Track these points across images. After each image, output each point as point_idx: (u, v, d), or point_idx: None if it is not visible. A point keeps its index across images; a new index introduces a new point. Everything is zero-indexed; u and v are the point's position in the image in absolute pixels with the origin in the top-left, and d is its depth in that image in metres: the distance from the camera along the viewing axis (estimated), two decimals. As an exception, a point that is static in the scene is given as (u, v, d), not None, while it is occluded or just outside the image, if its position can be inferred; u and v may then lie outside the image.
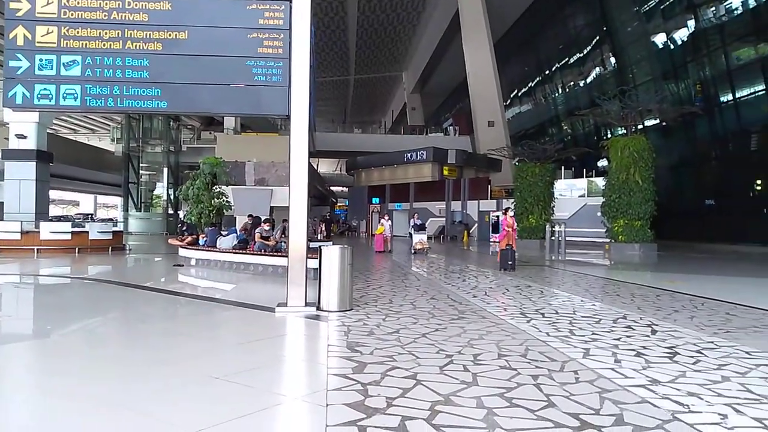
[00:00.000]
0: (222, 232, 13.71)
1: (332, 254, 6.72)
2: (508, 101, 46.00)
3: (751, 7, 22.37)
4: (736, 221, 24.44)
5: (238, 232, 13.29)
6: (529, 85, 44.85)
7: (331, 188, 65.44)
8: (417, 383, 3.83)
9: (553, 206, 23.28)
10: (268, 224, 12.12)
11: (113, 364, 4.59)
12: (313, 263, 7.24)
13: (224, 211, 16.38)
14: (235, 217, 21.10)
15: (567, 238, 16.86)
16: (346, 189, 58.38)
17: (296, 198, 6.87)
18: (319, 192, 52.97)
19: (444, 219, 33.45)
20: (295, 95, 6.85)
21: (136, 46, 6.78)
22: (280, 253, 10.88)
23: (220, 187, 16.03)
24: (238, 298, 8.19)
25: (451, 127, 47.98)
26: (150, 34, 6.80)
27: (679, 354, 4.76)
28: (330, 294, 6.67)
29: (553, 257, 16.05)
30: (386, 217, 20.52)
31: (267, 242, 11.68)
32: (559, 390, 3.72)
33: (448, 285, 9.65)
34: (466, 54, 38.85)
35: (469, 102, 40.09)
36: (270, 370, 4.43)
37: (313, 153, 43.42)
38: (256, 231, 11.96)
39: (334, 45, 51.71)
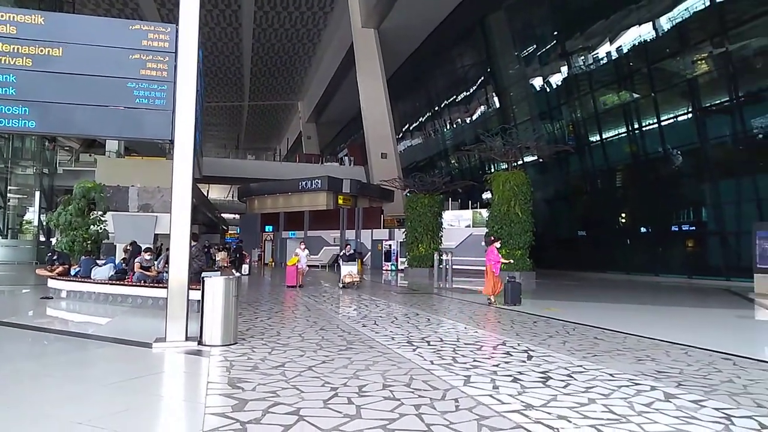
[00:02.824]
0: (98, 262, 12.75)
1: (216, 285, 6.45)
2: (401, 134, 47.52)
3: (613, 58, 24.95)
4: (605, 251, 26.77)
5: (117, 262, 12.45)
6: (420, 120, 46.67)
7: (222, 215, 63.42)
8: (299, 419, 3.75)
9: (441, 235, 24.15)
10: (149, 253, 11.43)
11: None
12: (196, 295, 6.93)
13: (103, 239, 15.31)
14: (116, 245, 19.74)
15: (454, 267, 17.47)
16: (237, 216, 56.82)
17: (178, 226, 6.58)
18: (208, 219, 51.13)
19: (338, 248, 33.50)
20: (180, 120, 6.61)
21: (1, 60, 6.24)
22: (161, 284, 10.27)
23: (96, 213, 14.98)
24: (112, 334, 7.63)
25: (346, 158, 48.58)
26: (18, 49, 6.30)
27: (552, 378, 5.06)
28: (213, 327, 6.37)
29: (441, 285, 16.54)
30: (303, 246, 16.92)
31: (147, 273, 11.03)
32: (439, 419, 3.80)
33: (337, 315, 9.62)
34: (360, 87, 39.75)
35: (364, 134, 40.92)
36: (142, 412, 4.14)
37: (202, 179, 41.97)
38: (136, 261, 11.25)
39: (228, 71, 50.82)
